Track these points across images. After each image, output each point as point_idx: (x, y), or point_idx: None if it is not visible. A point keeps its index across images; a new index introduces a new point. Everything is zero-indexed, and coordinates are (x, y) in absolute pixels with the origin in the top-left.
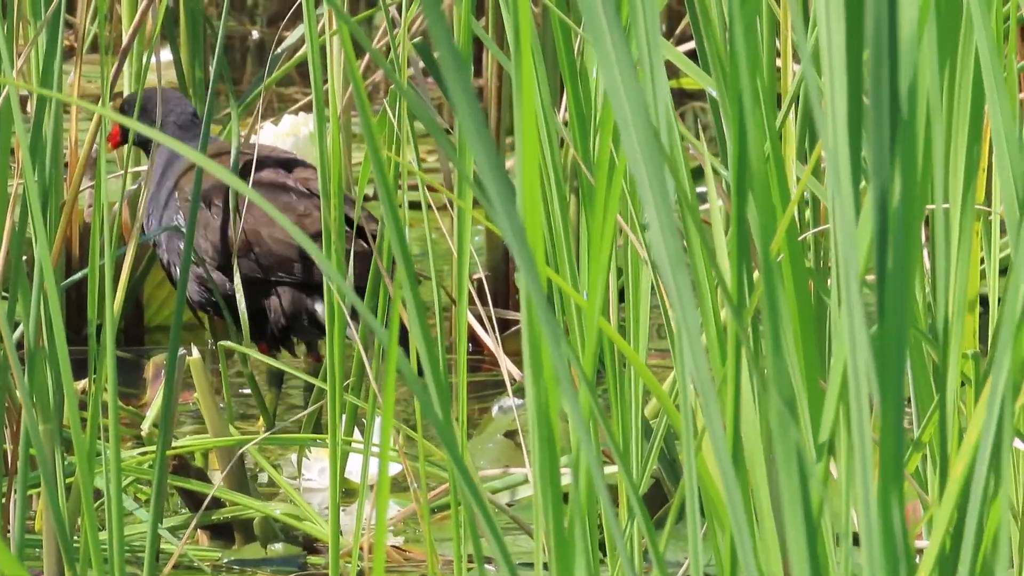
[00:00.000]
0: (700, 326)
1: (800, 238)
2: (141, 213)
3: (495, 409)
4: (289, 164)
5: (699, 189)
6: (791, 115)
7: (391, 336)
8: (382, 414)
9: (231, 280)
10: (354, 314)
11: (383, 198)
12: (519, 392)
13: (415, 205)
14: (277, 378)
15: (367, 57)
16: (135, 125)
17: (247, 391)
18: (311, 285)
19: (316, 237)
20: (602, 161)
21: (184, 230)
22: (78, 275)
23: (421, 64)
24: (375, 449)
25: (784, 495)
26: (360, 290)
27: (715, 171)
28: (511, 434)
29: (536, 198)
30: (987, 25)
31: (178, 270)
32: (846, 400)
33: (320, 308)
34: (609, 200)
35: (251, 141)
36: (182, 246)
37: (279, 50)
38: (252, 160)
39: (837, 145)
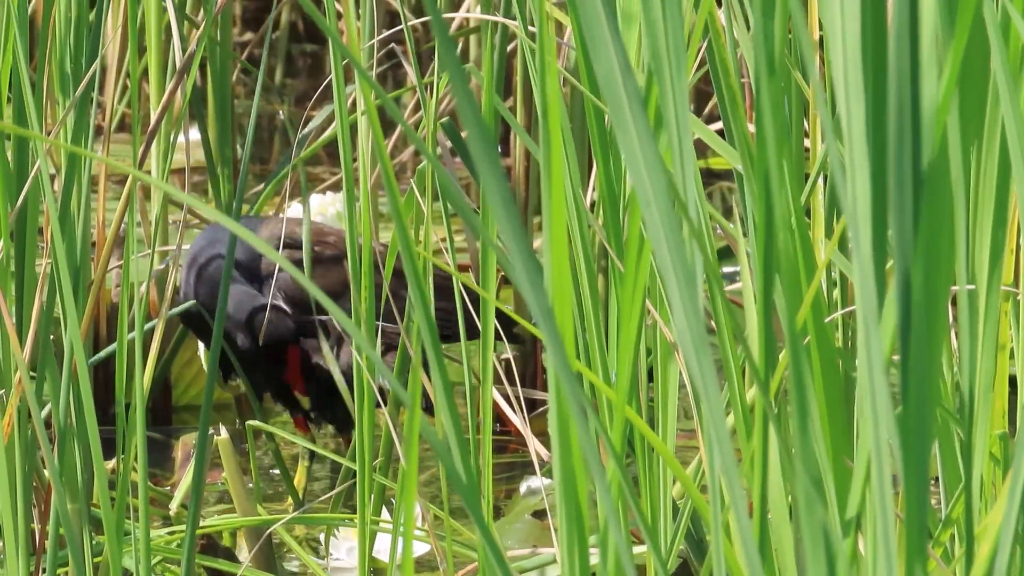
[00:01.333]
0: (726, 407)
1: (828, 319)
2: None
3: (523, 488)
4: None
5: (726, 269)
6: (820, 195)
7: (414, 404)
8: (405, 484)
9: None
10: (383, 394)
11: (410, 275)
12: (547, 472)
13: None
14: (310, 452)
15: (394, 137)
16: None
17: (276, 471)
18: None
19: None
20: (632, 240)
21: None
22: (106, 351)
23: (448, 144)
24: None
25: (811, 567)
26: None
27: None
28: (539, 514)
29: (565, 278)
30: (1015, 100)
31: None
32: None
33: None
34: (637, 282)
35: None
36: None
37: (306, 130)
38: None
39: (859, 223)
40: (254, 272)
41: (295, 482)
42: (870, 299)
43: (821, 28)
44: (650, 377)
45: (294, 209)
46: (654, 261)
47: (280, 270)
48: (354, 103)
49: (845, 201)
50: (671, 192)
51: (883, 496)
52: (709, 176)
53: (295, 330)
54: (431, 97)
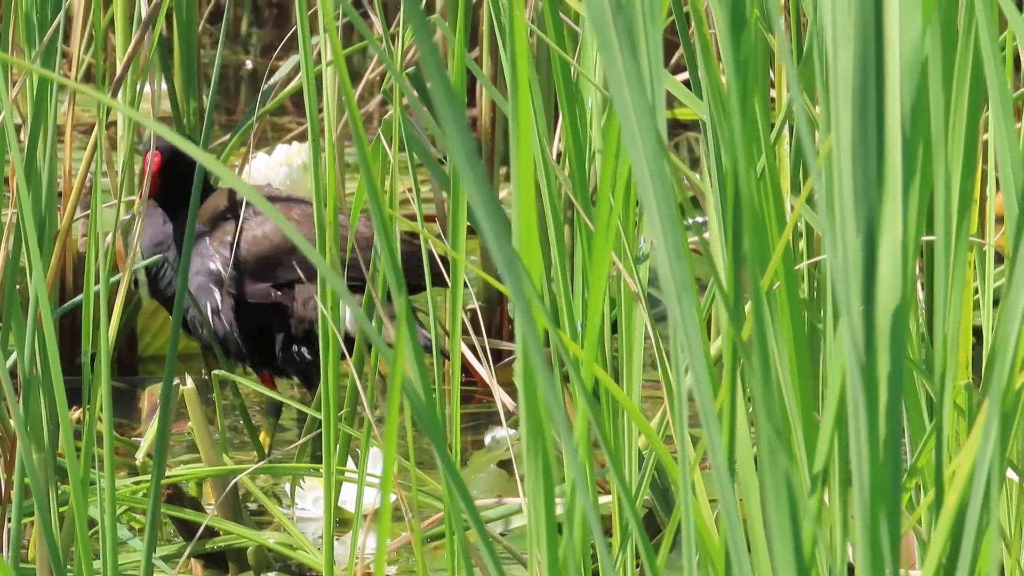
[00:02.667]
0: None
1: (797, 267)
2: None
3: (488, 439)
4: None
5: (689, 221)
6: (784, 145)
7: (397, 357)
8: (385, 429)
9: (257, 295)
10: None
11: (376, 224)
12: (513, 423)
13: (412, 235)
14: (276, 408)
15: (359, 87)
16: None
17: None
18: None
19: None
20: (603, 191)
21: (214, 253)
22: (73, 301)
23: (415, 95)
24: (369, 479)
25: (774, 528)
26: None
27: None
28: (504, 464)
29: (532, 232)
30: (995, 42)
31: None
32: (841, 430)
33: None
34: (608, 233)
35: (245, 171)
36: (200, 276)
37: (272, 80)
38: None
39: (842, 171)
40: (204, 252)
41: (261, 440)
42: (853, 251)
43: None
44: (614, 329)
45: (259, 159)
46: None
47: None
48: (319, 54)
49: (835, 143)
50: (658, 134)
51: (858, 440)
52: (675, 127)
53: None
54: (397, 47)
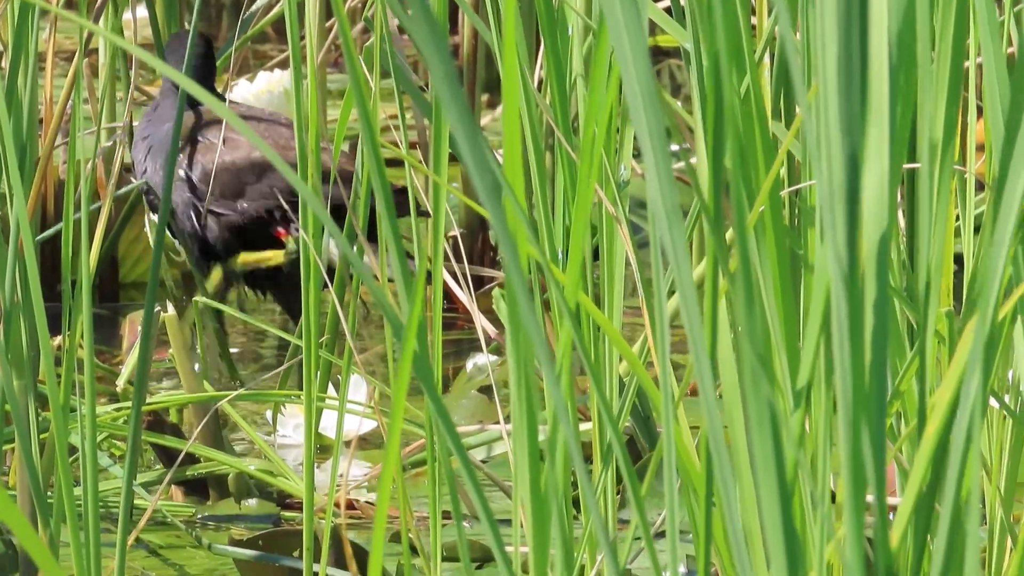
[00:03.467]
0: (670, 288)
1: (783, 192)
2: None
3: (469, 365)
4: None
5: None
6: (766, 73)
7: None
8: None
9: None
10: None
11: (367, 148)
12: (494, 349)
13: (390, 162)
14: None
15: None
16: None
17: (232, 349)
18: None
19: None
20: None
21: (186, 176)
22: (53, 229)
23: (395, 22)
24: (350, 405)
25: (757, 453)
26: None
27: (691, 130)
28: (485, 390)
29: (516, 161)
30: None
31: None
32: (826, 354)
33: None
34: (593, 160)
35: (226, 97)
36: (178, 193)
37: (254, 7)
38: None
39: (828, 101)
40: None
41: (206, 284)
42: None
43: None
44: (595, 256)
45: (241, 86)
46: (612, 132)
47: (199, 152)
48: None
49: (820, 71)
50: (649, 56)
51: (843, 364)
52: (657, 54)
53: (237, 227)
54: None
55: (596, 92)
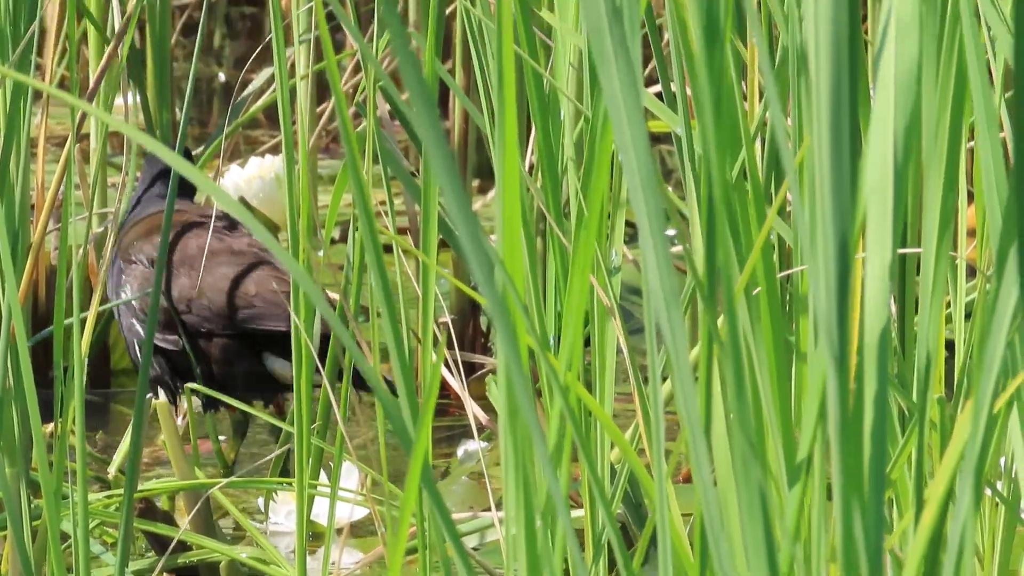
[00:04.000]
0: (663, 371)
1: (780, 275)
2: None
3: (460, 452)
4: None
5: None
6: (757, 156)
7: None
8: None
9: (177, 335)
10: (320, 357)
11: (364, 224)
12: (486, 436)
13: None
14: (242, 427)
15: (330, 104)
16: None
17: (221, 437)
18: (255, 338)
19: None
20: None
21: (129, 291)
22: (46, 331)
23: (386, 108)
24: (342, 493)
25: (749, 544)
26: (324, 338)
27: (682, 215)
28: (475, 475)
29: (516, 246)
30: (980, 58)
31: (132, 333)
32: (821, 444)
33: (269, 362)
34: (587, 247)
35: (218, 183)
36: (127, 308)
37: (245, 93)
38: (193, 219)
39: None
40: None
41: (224, 453)
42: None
43: None
44: (586, 343)
45: (232, 171)
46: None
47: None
48: (292, 66)
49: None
50: (649, 141)
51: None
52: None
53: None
54: (371, 60)
55: (598, 178)
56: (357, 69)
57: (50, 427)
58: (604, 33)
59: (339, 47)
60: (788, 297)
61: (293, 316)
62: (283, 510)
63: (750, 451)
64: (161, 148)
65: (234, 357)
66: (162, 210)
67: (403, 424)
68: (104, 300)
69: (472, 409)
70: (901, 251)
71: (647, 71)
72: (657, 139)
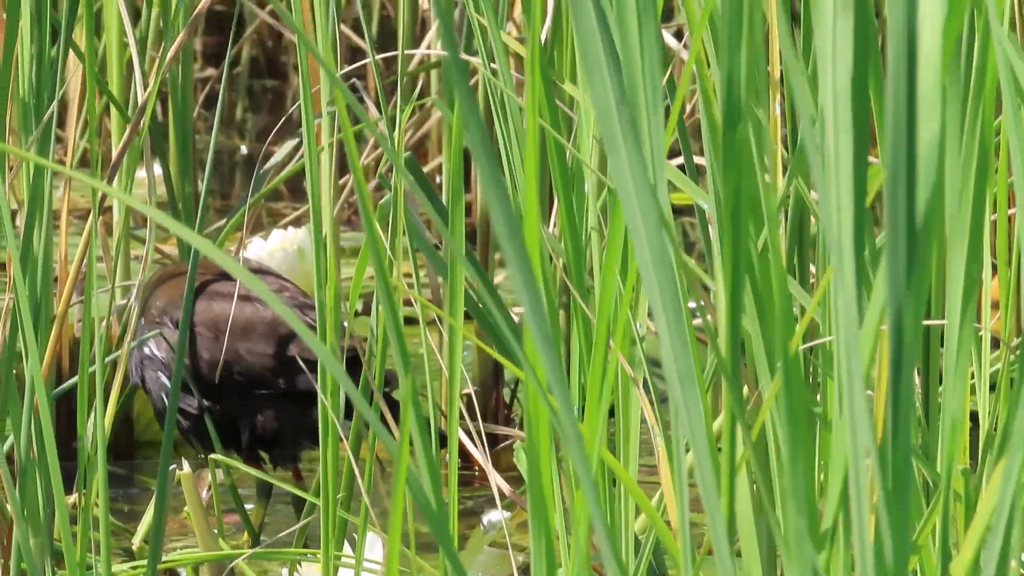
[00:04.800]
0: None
1: (803, 346)
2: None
3: (484, 522)
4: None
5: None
6: (780, 230)
7: (402, 444)
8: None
9: (211, 401)
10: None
11: (382, 295)
12: (507, 506)
13: (404, 322)
14: (266, 490)
15: (351, 176)
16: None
17: (247, 506)
18: (296, 394)
19: (290, 342)
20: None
21: (155, 353)
22: (68, 384)
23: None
24: (367, 564)
25: None
26: (348, 404)
27: (705, 288)
28: (497, 546)
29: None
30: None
31: (157, 395)
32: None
33: (313, 415)
34: (616, 323)
35: (241, 255)
36: (157, 371)
37: (268, 165)
38: (213, 277)
39: (843, 258)
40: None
41: (252, 519)
42: (853, 329)
43: (781, 62)
44: (610, 413)
45: (255, 244)
46: (628, 288)
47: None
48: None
49: (830, 235)
50: (661, 220)
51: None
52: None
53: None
54: (396, 132)
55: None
56: (378, 143)
57: (73, 498)
58: (612, 116)
59: (359, 118)
60: (812, 368)
61: (320, 395)
62: None
63: (804, 528)
64: (183, 230)
65: (280, 414)
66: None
67: (426, 497)
68: (127, 373)
69: (495, 479)
70: (926, 323)
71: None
72: (680, 211)
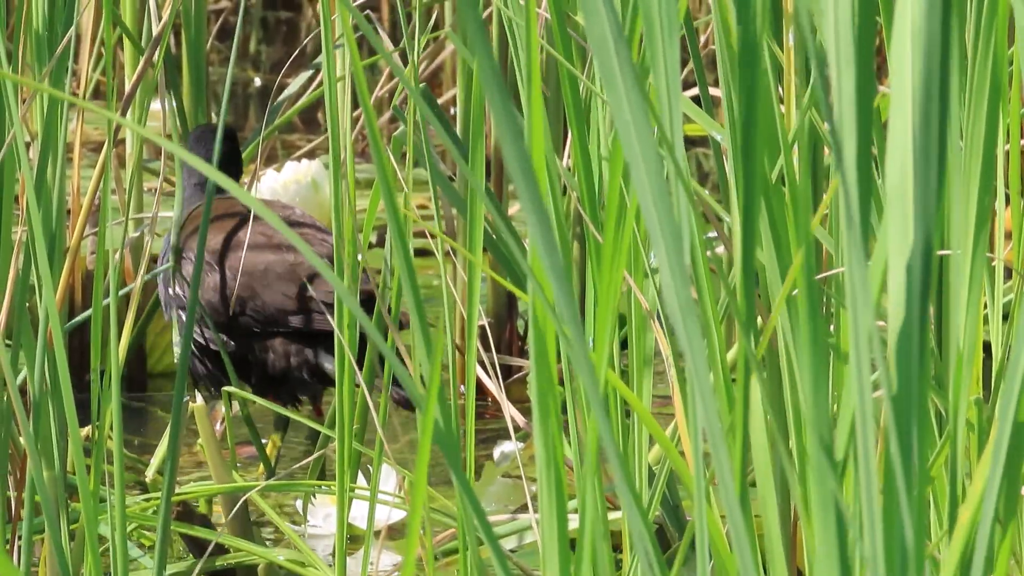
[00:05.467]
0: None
1: (818, 276)
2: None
3: (496, 454)
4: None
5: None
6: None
7: (434, 374)
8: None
9: (228, 336)
10: (358, 361)
11: (393, 232)
12: (522, 437)
13: (418, 252)
14: (283, 422)
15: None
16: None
17: (263, 440)
18: (310, 335)
19: (312, 278)
20: (611, 206)
21: (187, 283)
22: (81, 316)
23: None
24: (381, 495)
25: (819, 545)
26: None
27: (718, 218)
28: (508, 473)
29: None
30: None
31: (176, 320)
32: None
33: (321, 359)
34: (617, 250)
35: (254, 188)
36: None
37: (282, 97)
38: (248, 214)
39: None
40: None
41: (268, 451)
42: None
43: None
44: (623, 345)
45: (268, 176)
46: (637, 228)
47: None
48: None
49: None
50: (659, 157)
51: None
52: (684, 142)
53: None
54: (410, 63)
55: (617, 181)
56: (392, 74)
57: (87, 431)
58: (609, 51)
59: (373, 51)
60: (825, 299)
61: (335, 327)
62: (321, 513)
63: (825, 458)
64: (196, 161)
65: (291, 355)
66: (217, 201)
67: (440, 429)
68: (151, 297)
69: (509, 410)
70: (940, 252)
71: (684, 74)
72: (693, 142)
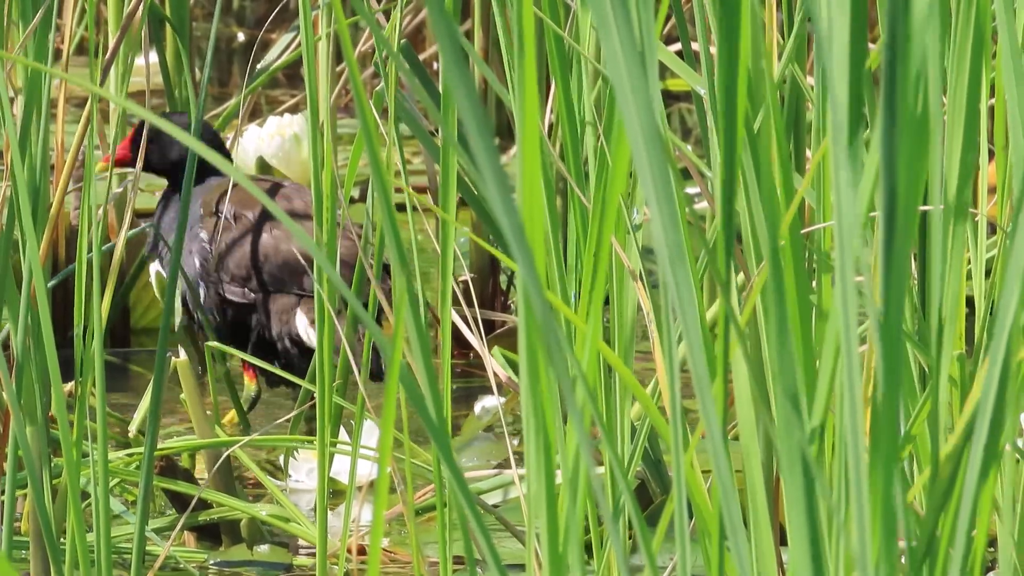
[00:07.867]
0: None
1: (803, 232)
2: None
3: (477, 409)
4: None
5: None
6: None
7: (397, 334)
8: (383, 406)
9: (235, 294)
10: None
11: (377, 188)
12: (504, 392)
13: (399, 207)
14: (252, 402)
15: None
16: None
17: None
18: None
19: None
20: (619, 153)
21: (204, 243)
22: (64, 272)
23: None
24: (362, 451)
25: (788, 491)
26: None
27: (701, 173)
28: (490, 429)
29: (538, 202)
30: (1011, 22)
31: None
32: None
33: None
34: (606, 211)
35: (237, 142)
36: (192, 260)
37: (267, 59)
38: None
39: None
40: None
41: (224, 421)
42: (848, 209)
43: None
44: (605, 302)
45: (251, 131)
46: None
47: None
48: (313, 25)
49: (833, 118)
50: (655, 117)
51: (852, 403)
52: (667, 97)
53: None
54: (392, 21)
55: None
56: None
57: (70, 386)
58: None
59: (355, 9)
60: (808, 255)
61: (315, 284)
62: (303, 468)
63: (791, 408)
64: (177, 131)
65: (292, 319)
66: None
67: (419, 386)
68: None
69: (491, 364)
70: (922, 208)
71: (667, 29)
72: (676, 97)
